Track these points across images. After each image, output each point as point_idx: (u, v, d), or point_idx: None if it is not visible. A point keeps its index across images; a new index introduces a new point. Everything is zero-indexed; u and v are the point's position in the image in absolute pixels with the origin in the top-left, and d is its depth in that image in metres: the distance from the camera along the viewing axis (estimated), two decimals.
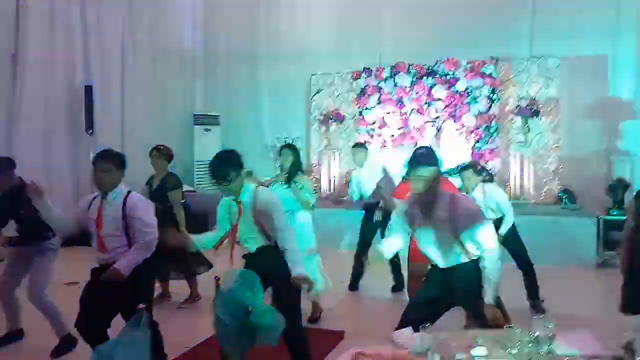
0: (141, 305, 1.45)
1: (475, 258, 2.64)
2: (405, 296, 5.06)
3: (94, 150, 7.45)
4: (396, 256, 5.21)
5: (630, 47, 7.20)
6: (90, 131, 7.45)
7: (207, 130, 9.35)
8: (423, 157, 2.65)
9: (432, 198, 2.62)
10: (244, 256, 3.00)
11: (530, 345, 1.60)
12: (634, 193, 3.37)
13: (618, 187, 6.48)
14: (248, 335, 1.48)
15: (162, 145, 4.87)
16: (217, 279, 1.76)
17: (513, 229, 4.45)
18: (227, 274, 1.63)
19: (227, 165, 2.73)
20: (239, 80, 9.50)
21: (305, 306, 4.47)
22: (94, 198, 3.04)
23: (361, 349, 1.81)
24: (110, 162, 2.96)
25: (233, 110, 9.41)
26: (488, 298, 2.49)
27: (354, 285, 5.33)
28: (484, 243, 2.58)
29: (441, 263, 2.68)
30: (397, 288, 5.20)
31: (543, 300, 4.42)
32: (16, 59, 6.83)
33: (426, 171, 2.56)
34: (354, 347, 1.80)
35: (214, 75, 9.92)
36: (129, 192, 3.00)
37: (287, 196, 4.21)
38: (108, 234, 2.90)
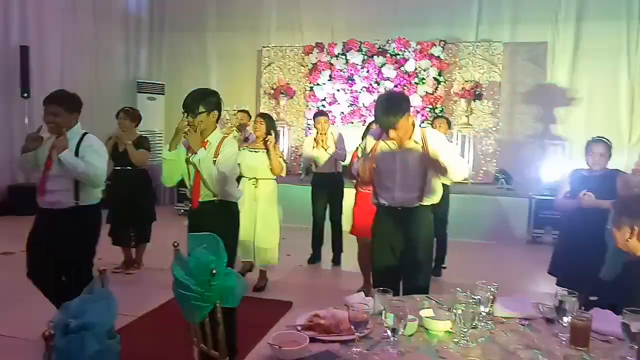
0: (102, 268, 1.45)
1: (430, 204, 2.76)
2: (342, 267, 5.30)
3: (30, 115, 7.07)
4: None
5: (569, 36, 7.62)
6: (26, 94, 7.03)
7: (151, 99, 9.04)
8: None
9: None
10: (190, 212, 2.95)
11: (474, 306, 1.73)
12: (568, 174, 3.66)
13: (549, 169, 6.94)
14: (212, 298, 1.53)
15: (130, 108, 4.82)
16: (175, 244, 1.76)
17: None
18: (190, 238, 1.65)
19: (202, 97, 2.72)
20: (186, 48, 9.24)
21: (254, 276, 4.60)
22: (49, 138, 2.95)
23: (317, 312, 1.89)
24: (57, 105, 2.87)
25: (179, 79, 9.13)
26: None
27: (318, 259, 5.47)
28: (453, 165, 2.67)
29: (401, 202, 2.72)
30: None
31: (445, 267, 4.97)
32: None
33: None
34: (303, 314, 1.88)
35: (160, 42, 9.57)
36: (85, 134, 2.93)
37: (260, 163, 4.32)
38: (55, 174, 2.83)
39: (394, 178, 2.74)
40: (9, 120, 7.22)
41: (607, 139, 3.53)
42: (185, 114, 2.69)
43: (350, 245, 4.74)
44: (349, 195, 4.98)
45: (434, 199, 2.80)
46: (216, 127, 2.85)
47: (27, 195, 5.87)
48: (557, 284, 3.61)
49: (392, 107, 2.58)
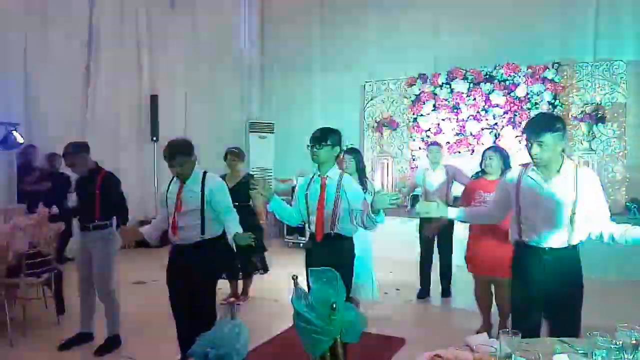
0: (232, 299, 1.53)
1: (576, 244, 2.51)
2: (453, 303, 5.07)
3: (159, 157, 7.83)
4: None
5: None
6: (155, 138, 7.81)
7: (262, 137, 9.57)
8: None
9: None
10: (308, 245, 3.08)
11: (616, 352, 1.56)
12: None
13: None
14: (332, 332, 1.54)
15: (236, 148, 5.09)
16: (295, 277, 1.81)
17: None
18: (311, 272, 1.69)
19: (329, 132, 2.92)
20: (293, 88, 9.69)
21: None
22: (172, 181, 3.25)
23: (438, 352, 1.82)
24: (178, 158, 3.11)
25: (287, 118, 9.58)
26: None
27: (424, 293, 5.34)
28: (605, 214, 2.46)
29: (547, 242, 2.51)
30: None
31: None
32: (89, 71, 7.25)
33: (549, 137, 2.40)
34: (423, 352, 1.82)
35: (269, 83, 10.17)
36: (205, 173, 3.22)
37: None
38: (186, 211, 3.11)
39: (538, 214, 2.52)
40: (141, 161, 8.05)
41: None
42: (311, 146, 2.89)
43: (462, 281, 4.53)
44: (461, 227, 4.80)
45: (580, 237, 2.54)
46: (335, 164, 2.97)
47: None
48: None
49: (544, 121, 2.51)
